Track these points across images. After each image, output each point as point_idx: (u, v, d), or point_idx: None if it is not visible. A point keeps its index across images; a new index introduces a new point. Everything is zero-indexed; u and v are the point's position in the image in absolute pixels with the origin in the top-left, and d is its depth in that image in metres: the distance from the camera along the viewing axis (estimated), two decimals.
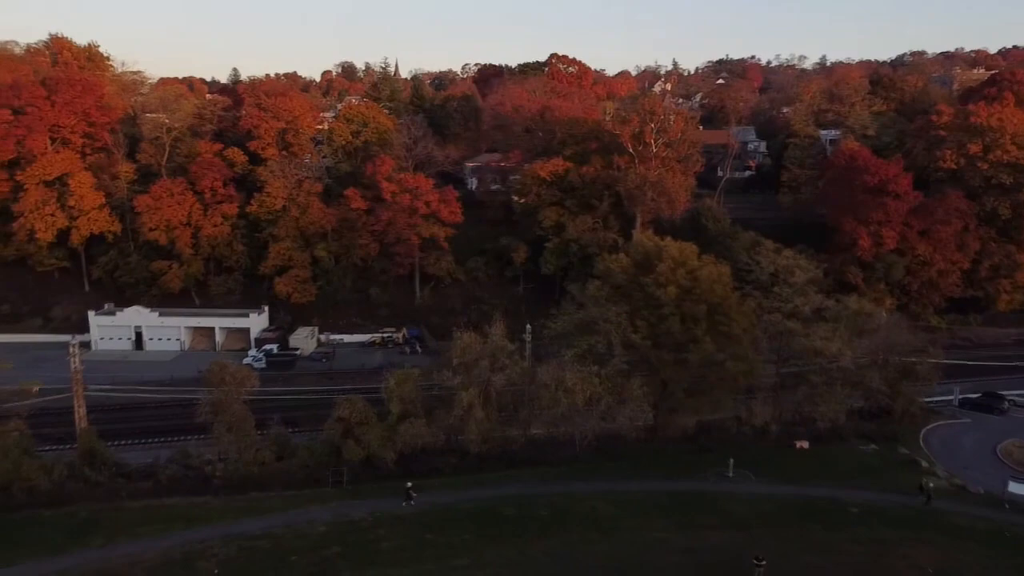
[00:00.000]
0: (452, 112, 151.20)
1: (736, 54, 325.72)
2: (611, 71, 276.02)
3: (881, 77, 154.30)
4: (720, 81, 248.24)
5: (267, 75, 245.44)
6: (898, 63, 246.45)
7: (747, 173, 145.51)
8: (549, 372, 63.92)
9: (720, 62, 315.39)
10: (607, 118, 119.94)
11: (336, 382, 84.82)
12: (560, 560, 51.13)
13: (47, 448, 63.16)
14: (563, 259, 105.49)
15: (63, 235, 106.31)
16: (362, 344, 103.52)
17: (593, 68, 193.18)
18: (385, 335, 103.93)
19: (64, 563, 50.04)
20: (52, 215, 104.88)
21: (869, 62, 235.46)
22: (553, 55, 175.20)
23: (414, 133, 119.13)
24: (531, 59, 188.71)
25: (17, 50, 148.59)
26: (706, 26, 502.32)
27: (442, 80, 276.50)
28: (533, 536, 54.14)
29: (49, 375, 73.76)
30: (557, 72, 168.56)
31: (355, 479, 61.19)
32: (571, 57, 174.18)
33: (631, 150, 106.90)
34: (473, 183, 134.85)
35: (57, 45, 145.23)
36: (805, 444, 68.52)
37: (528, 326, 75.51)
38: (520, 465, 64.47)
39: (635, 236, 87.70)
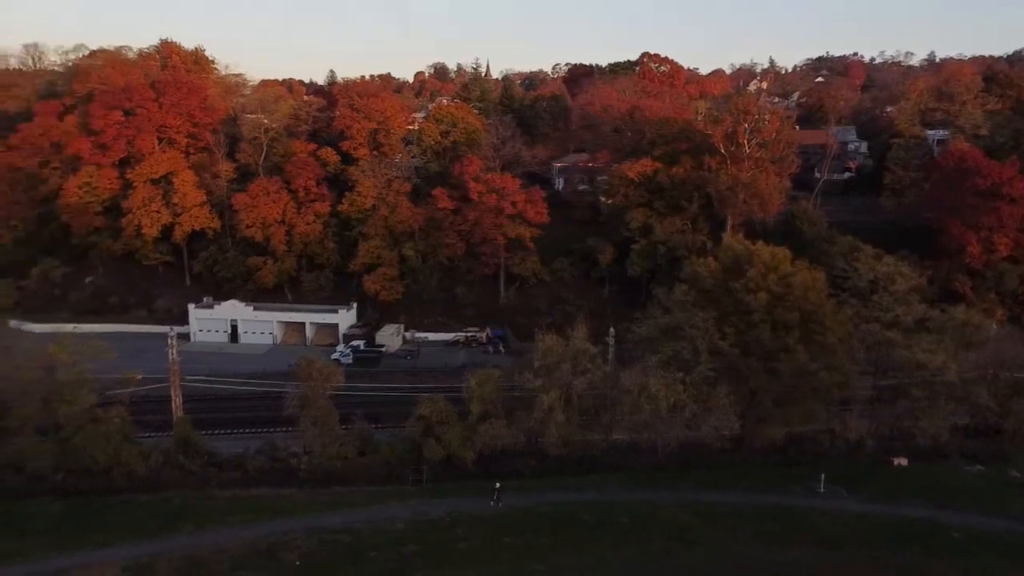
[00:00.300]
0: (541, 112, 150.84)
1: (837, 51, 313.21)
2: (704, 70, 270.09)
3: (996, 74, 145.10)
4: (819, 79, 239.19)
5: (361, 76, 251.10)
6: (1015, 59, 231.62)
7: (846, 175, 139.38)
8: (632, 377, 62.68)
9: (820, 59, 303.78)
10: (699, 118, 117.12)
11: (419, 380, 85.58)
12: (639, 570, 50.05)
13: (145, 435, 65.87)
14: (650, 261, 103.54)
15: (167, 231, 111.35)
16: (446, 343, 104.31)
17: (686, 67, 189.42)
18: (469, 334, 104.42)
19: (157, 547, 52.14)
20: (157, 212, 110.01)
21: (983, 58, 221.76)
22: (645, 54, 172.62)
23: (502, 133, 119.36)
24: (622, 58, 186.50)
25: (131, 54, 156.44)
26: (805, 22, 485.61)
27: (532, 80, 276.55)
28: (612, 543, 53.18)
29: (150, 364, 76.97)
30: (648, 71, 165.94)
31: (435, 478, 61.58)
32: (663, 56, 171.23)
33: (723, 151, 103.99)
34: (560, 183, 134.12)
35: (167, 49, 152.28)
36: (903, 461, 64.97)
37: (612, 329, 74.28)
38: (601, 470, 63.64)
39: (725, 239, 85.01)
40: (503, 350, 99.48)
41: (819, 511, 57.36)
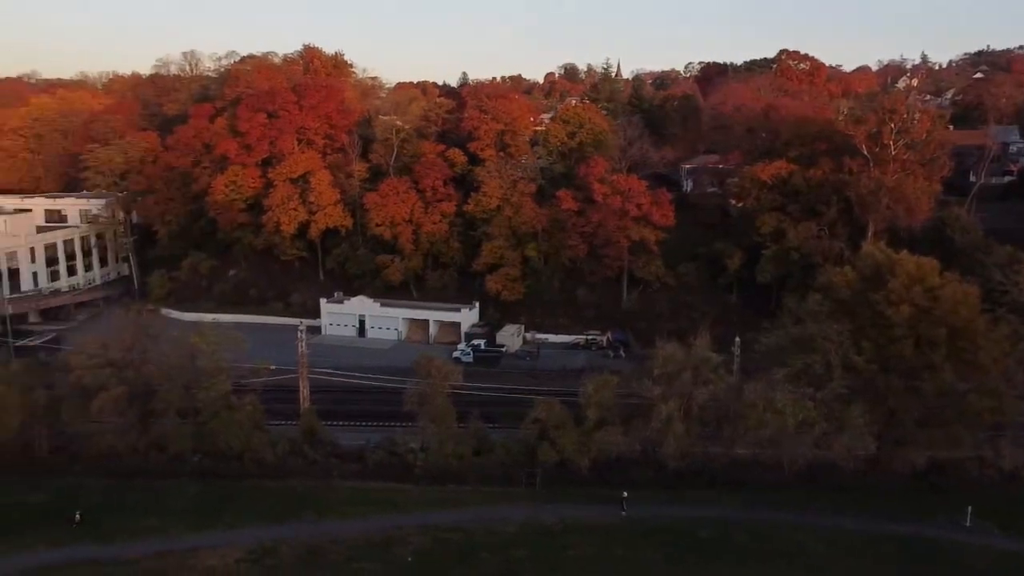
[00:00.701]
0: (670, 112, 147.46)
1: (999, 44, 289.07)
2: (848, 66, 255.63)
3: None
4: (978, 75, 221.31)
5: (492, 78, 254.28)
6: None
7: (1007, 178, 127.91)
8: (757, 390, 59.68)
9: (979, 54, 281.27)
10: (840, 117, 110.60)
11: (538, 381, 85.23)
12: None
13: (274, 423, 68.81)
14: (781, 268, 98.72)
15: (303, 228, 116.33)
16: (566, 345, 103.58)
17: (828, 64, 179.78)
18: (590, 337, 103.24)
19: (280, 533, 54.30)
20: (295, 209, 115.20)
21: None
22: (783, 51, 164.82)
23: (630, 134, 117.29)
24: (759, 56, 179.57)
25: (276, 60, 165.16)
26: (962, 14, 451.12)
27: (663, 80, 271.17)
28: (730, 564, 50.93)
29: (283, 355, 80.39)
30: (787, 69, 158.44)
31: (548, 482, 60.98)
32: (803, 53, 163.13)
33: (865, 152, 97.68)
34: (688, 185, 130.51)
35: (309, 55, 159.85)
36: None
37: (737, 339, 71.35)
38: (720, 485, 61.08)
39: (865, 247, 79.63)
40: (623, 355, 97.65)
41: (965, 547, 52.64)
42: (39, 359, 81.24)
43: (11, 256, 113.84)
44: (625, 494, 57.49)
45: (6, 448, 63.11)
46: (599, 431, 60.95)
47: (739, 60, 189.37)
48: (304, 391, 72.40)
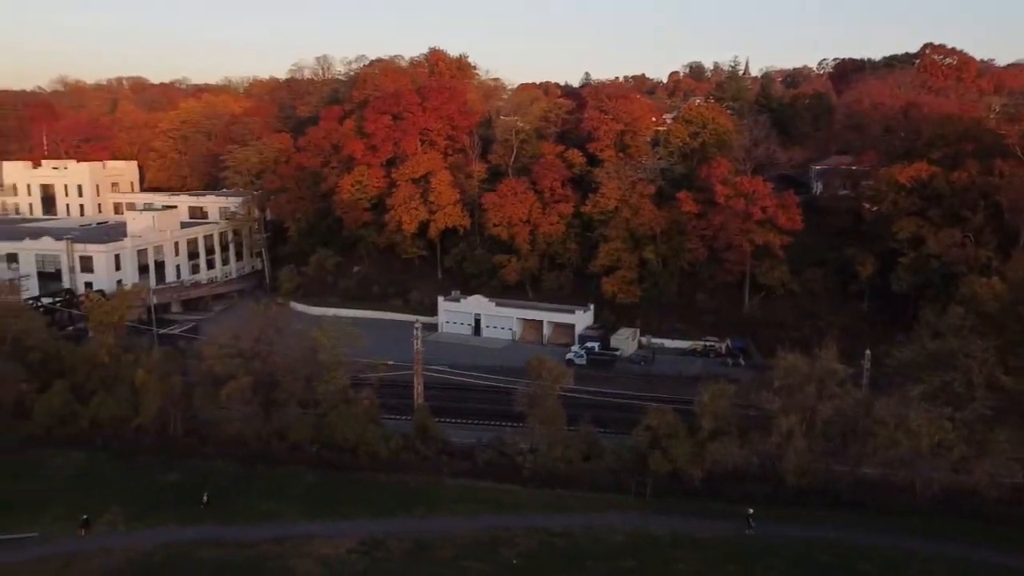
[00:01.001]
0: (801, 111, 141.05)
1: None
2: (1002, 61, 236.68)
3: None
4: None
5: (615, 78, 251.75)
6: None
7: None
8: (889, 407, 55.95)
9: None
10: (991, 116, 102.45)
11: (651, 387, 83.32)
12: None
13: (388, 417, 70.40)
14: (919, 277, 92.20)
15: (424, 227, 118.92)
16: (682, 351, 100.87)
17: (978, 58, 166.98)
18: (707, 343, 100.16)
19: (390, 527, 55.36)
20: (416, 209, 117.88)
21: None
22: (927, 45, 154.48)
23: (756, 134, 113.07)
24: (900, 51, 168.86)
25: (403, 63, 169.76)
26: None
27: (794, 77, 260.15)
28: None
29: (400, 351, 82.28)
30: (931, 64, 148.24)
31: (658, 491, 59.38)
32: (949, 47, 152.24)
33: (1020, 153, 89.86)
34: (818, 187, 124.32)
35: (434, 57, 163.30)
36: None
37: (868, 351, 67.14)
38: (844, 506, 57.57)
39: (1016, 256, 73.27)
40: (742, 363, 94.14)
41: None
42: (178, 347, 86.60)
43: (158, 250, 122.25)
44: (751, 511, 55.11)
45: (146, 430, 67.64)
46: (714, 442, 58.84)
47: (877, 56, 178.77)
48: (418, 388, 73.72)
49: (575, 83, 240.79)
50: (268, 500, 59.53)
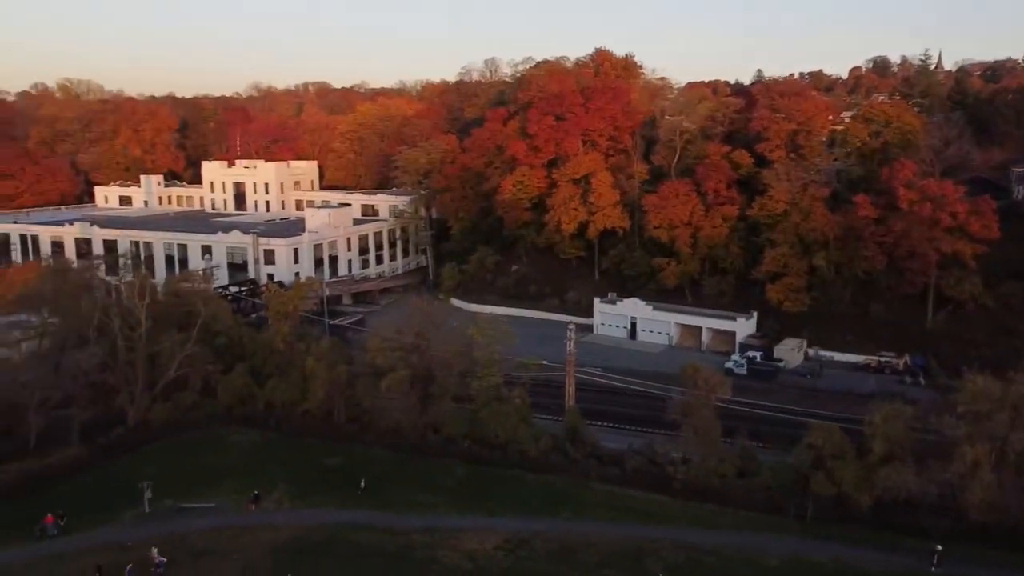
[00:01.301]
0: (1001, 108, 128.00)
1: None
2: None
3: None
4: None
5: (789, 75, 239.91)
6: None
7: None
8: None
9: None
10: None
11: (817, 403, 78.33)
12: None
13: (539, 416, 70.59)
14: None
15: (582, 228, 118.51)
16: (854, 365, 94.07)
17: None
18: (883, 359, 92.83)
19: (535, 526, 55.40)
20: (575, 209, 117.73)
21: None
22: None
23: (947, 133, 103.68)
24: None
25: (568, 64, 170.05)
26: None
27: (996, 71, 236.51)
28: None
29: (553, 351, 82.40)
30: None
31: (820, 516, 55.62)
32: None
33: None
34: (1020, 192, 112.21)
35: (600, 58, 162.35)
36: None
37: None
38: None
39: None
40: (922, 383, 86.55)
41: None
42: (345, 338, 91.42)
43: (332, 245, 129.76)
44: (939, 547, 50.50)
45: (312, 415, 71.79)
46: (885, 467, 54.28)
47: None
48: (570, 389, 73.42)
49: (746, 81, 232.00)
50: (421, 490, 61.29)
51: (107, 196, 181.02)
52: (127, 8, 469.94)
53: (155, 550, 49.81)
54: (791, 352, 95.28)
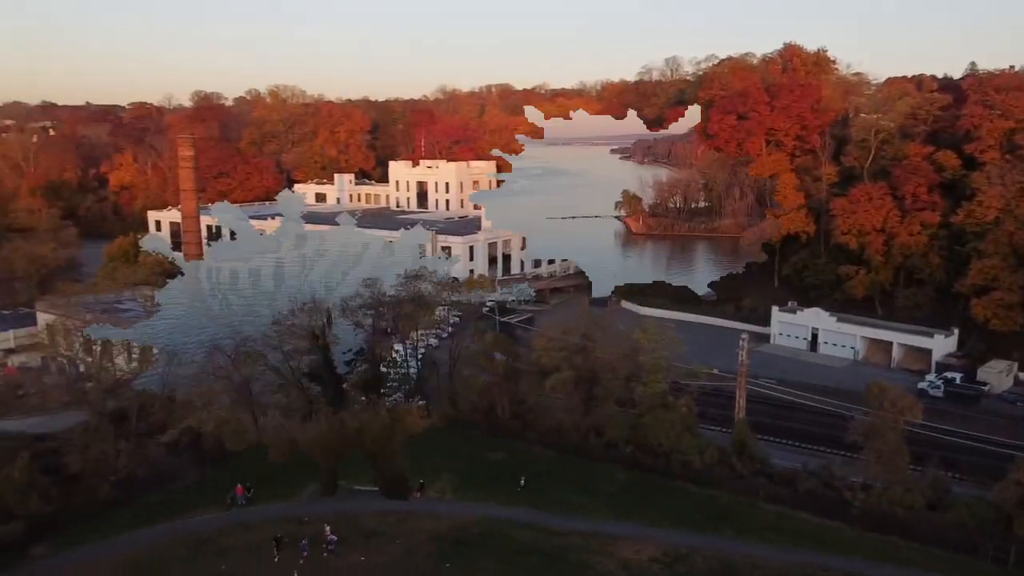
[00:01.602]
0: None
1: None
2: None
3: None
4: None
5: (1010, 67, 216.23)
6: None
7: None
8: None
9: None
10: None
11: None
12: None
13: (705, 426, 67.99)
14: None
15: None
16: None
17: None
18: None
19: (695, 541, 53.29)
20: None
21: None
22: None
23: None
24: None
25: (754, 60, 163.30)
26: None
27: None
28: None
29: (724, 359, 79.13)
30: None
31: (1023, 562, 49.34)
32: None
33: None
34: None
35: (789, 53, 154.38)
36: None
37: None
38: None
39: None
40: None
41: None
42: (513, 335, 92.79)
43: (506, 243, 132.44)
44: None
45: (476, 408, 73.34)
46: None
47: None
48: (740, 400, 69.98)
49: (956, 75, 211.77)
50: (580, 493, 60.76)
51: (305, 193, 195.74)
52: (336, 18, 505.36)
53: (328, 528, 52.76)
54: (998, 375, 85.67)
